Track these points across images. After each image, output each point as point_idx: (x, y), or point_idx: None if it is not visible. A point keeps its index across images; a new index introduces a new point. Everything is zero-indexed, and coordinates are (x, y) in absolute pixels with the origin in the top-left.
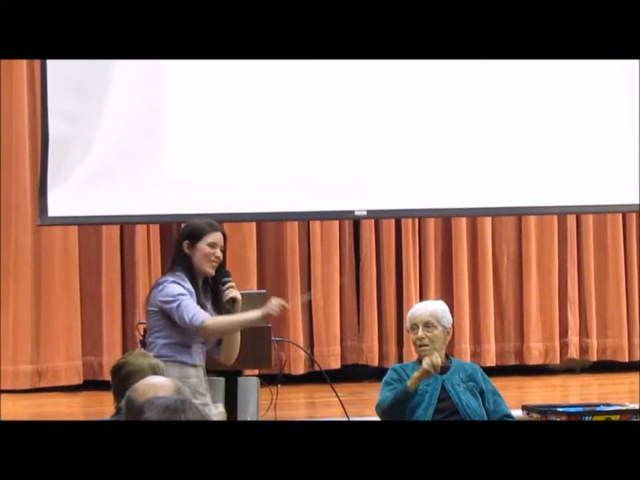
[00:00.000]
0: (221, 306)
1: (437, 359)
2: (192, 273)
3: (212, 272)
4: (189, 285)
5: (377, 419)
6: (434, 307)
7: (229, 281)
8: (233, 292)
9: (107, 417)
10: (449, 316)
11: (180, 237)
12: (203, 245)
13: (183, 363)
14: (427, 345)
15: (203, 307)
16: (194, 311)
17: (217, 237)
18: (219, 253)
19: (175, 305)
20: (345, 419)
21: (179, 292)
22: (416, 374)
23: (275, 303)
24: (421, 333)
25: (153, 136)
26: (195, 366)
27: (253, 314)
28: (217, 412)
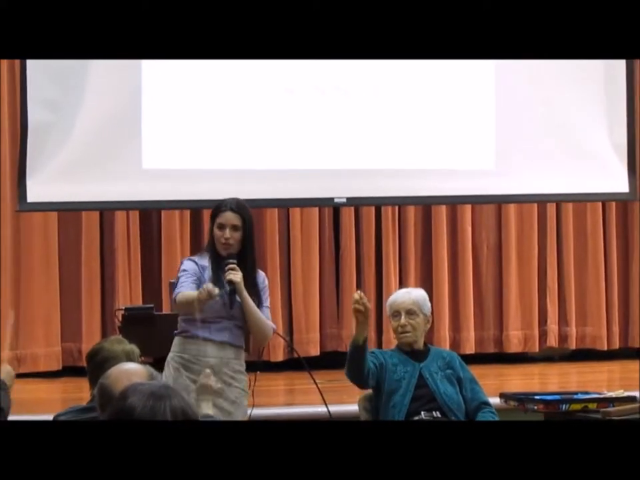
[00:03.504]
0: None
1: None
2: (214, 253)
3: (224, 253)
4: (204, 262)
5: (355, 406)
6: (416, 295)
7: (230, 263)
8: (230, 275)
9: (84, 404)
10: (429, 304)
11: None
12: (214, 227)
13: (202, 338)
14: (409, 332)
15: (219, 283)
16: (180, 288)
17: (224, 217)
18: (227, 234)
19: (175, 282)
20: (324, 406)
21: (183, 269)
22: (355, 324)
23: (204, 288)
24: (403, 320)
25: (132, 124)
26: (217, 343)
27: (193, 294)
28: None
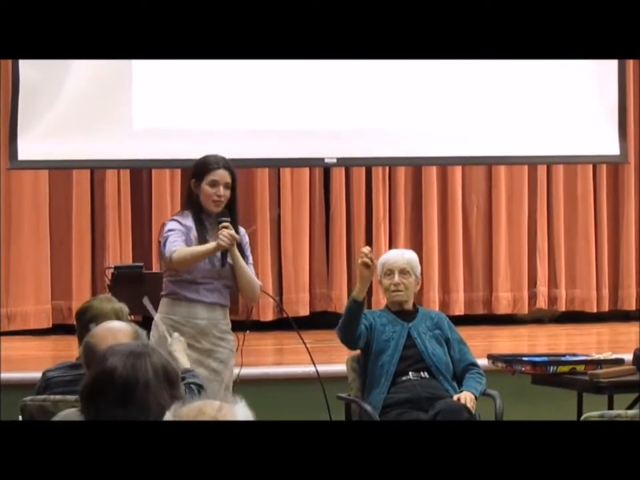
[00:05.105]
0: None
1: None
2: (198, 211)
3: (216, 210)
4: (188, 222)
5: (343, 366)
6: (409, 256)
7: (224, 221)
8: (224, 232)
9: (74, 360)
10: (420, 267)
11: (190, 175)
12: (204, 185)
13: (192, 300)
14: (401, 291)
15: (205, 242)
16: (171, 245)
17: (217, 174)
18: (221, 191)
19: (163, 241)
20: (312, 366)
21: (169, 228)
22: (359, 280)
23: (225, 234)
24: (397, 278)
25: (123, 82)
26: (206, 304)
27: (209, 245)
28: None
